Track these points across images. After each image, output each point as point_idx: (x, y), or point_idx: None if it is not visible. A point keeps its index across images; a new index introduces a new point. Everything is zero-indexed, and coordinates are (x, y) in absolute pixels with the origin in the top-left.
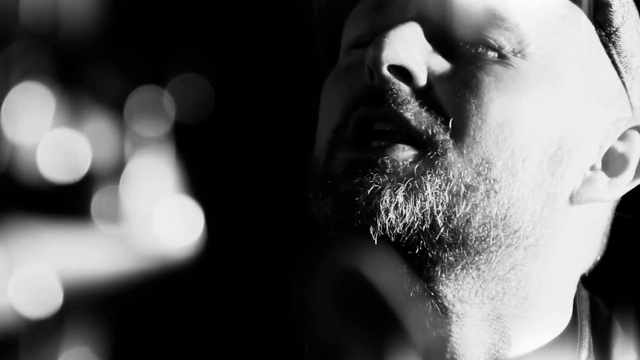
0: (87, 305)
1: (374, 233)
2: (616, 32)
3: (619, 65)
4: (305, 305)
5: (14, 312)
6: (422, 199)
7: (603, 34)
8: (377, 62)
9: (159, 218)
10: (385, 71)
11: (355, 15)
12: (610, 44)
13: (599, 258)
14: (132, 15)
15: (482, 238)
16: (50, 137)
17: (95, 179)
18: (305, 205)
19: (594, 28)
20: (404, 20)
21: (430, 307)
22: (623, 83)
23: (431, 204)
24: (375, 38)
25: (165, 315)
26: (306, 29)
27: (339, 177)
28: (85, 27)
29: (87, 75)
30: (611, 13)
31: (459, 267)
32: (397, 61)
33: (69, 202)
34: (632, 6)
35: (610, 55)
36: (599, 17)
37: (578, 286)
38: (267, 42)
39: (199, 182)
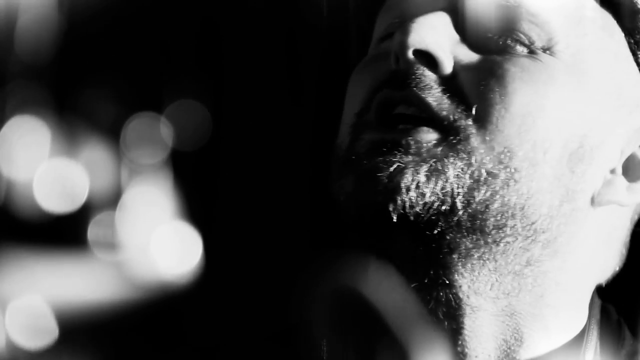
0: (85, 335)
1: (393, 211)
2: None
3: None
4: (304, 315)
5: (11, 344)
6: (444, 179)
7: (632, 41)
8: (403, 45)
9: (156, 245)
10: (410, 55)
11: (387, 7)
12: (639, 52)
13: (617, 269)
14: (126, 41)
15: (500, 226)
16: (47, 168)
17: (93, 207)
18: (304, 228)
19: (623, 35)
20: (433, 10)
21: (444, 296)
22: None
23: (452, 186)
24: (403, 24)
25: (163, 343)
26: (308, 49)
27: (362, 155)
28: (80, 54)
29: (82, 103)
30: None
31: (476, 256)
32: (422, 46)
33: (67, 232)
34: None
35: (638, 63)
36: (628, 24)
37: (593, 294)
38: (267, 65)
39: (197, 209)
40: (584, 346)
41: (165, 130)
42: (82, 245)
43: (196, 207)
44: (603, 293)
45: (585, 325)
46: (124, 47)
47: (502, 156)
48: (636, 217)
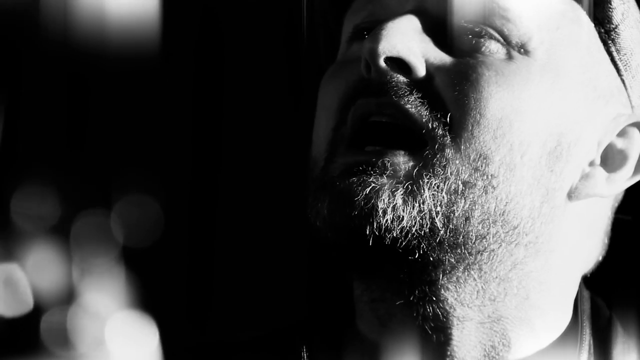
0: None
1: (369, 234)
2: (615, 30)
3: (619, 63)
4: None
5: None
6: (421, 201)
7: (602, 31)
8: (373, 54)
9: (112, 339)
10: (382, 63)
11: (355, 7)
12: (610, 41)
13: (600, 258)
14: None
15: (482, 235)
16: None
17: (44, 308)
18: (304, 236)
19: (593, 25)
20: (402, 11)
21: (432, 311)
22: (622, 81)
23: (429, 206)
24: (372, 30)
25: None
26: (308, 49)
27: (336, 178)
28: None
29: (23, 202)
30: (610, 10)
31: (461, 268)
32: (394, 53)
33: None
34: (633, 4)
35: (610, 53)
36: (598, 14)
37: (580, 286)
38: (267, 69)
39: (151, 301)
40: (579, 345)
41: (115, 227)
42: (37, 346)
43: (150, 300)
44: (591, 286)
45: (578, 322)
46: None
47: (479, 163)
48: (616, 205)
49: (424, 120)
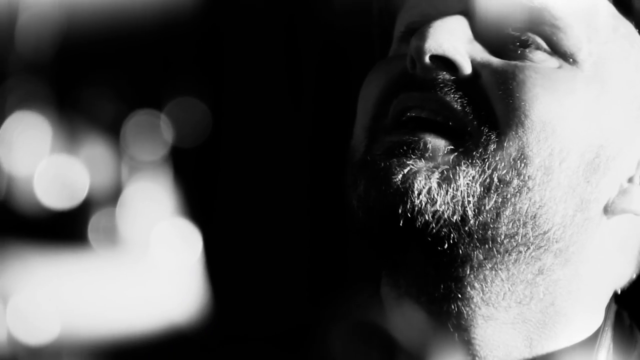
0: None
1: (402, 214)
2: None
3: None
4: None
5: (13, 340)
6: (455, 188)
7: None
8: (420, 51)
9: (157, 242)
10: (427, 60)
11: (407, 7)
12: None
13: (634, 276)
14: (126, 40)
15: (511, 235)
16: (47, 164)
17: (93, 204)
18: (304, 228)
19: None
20: (451, 12)
21: (456, 309)
22: None
23: (463, 195)
24: (420, 28)
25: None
26: (307, 51)
27: (378, 157)
28: (80, 52)
29: (82, 100)
30: None
31: (489, 266)
32: (439, 51)
33: (67, 228)
34: None
35: None
36: None
37: (610, 300)
38: (267, 68)
39: (197, 205)
40: (597, 348)
41: (165, 128)
42: (83, 241)
43: (196, 203)
44: (617, 298)
45: (600, 328)
46: (123, 46)
47: (518, 162)
48: None
49: (468, 117)
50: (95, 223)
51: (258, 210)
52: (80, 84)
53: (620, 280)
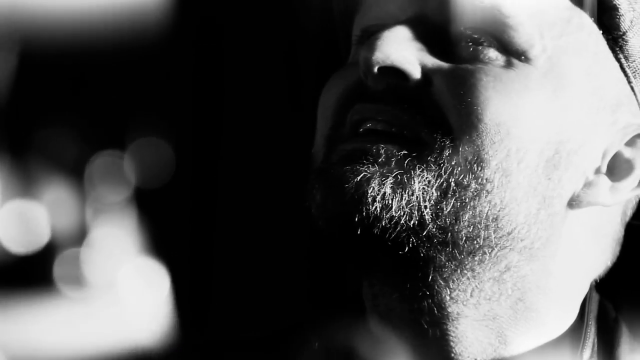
0: None
1: (358, 222)
2: (623, 37)
3: (627, 70)
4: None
5: None
6: (410, 193)
7: (610, 37)
8: (368, 63)
9: (124, 282)
10: (376, 72)
11: (363, 10)
12: (617, 49)
13: (610, 264)
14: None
15: (472, 238)
16: (8, 209)
17: (58, 247)
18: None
19: (601, 32)
20: (403, 17)
21: (427, 306)
22: (632, 88)
23: (418, 199)
24: (369, 38)
25: None
26: (307, 53)
27: (333, 165)
28: (38, 92)
29: (43, 142)
30: (618, 17)
31: (452, 267)
32: (388, 62)
33: (32, 272)
34: None
35: (618, 60)
36: (605, 21)
37: (590, 289)
38: (267, 70)
39: (163, 245)
40: (582, 342)
41: (128, 169)
42: (49, 284)
43: (162, 243)
44: (602, 290)
45: (583, 321)
46: (84, 85)
47: (475, 166)
48: (630, 212)
49: (421, 126)
50: (60, 266)
51: (257, 213)
52: (39, 124)
53: (595, 270)
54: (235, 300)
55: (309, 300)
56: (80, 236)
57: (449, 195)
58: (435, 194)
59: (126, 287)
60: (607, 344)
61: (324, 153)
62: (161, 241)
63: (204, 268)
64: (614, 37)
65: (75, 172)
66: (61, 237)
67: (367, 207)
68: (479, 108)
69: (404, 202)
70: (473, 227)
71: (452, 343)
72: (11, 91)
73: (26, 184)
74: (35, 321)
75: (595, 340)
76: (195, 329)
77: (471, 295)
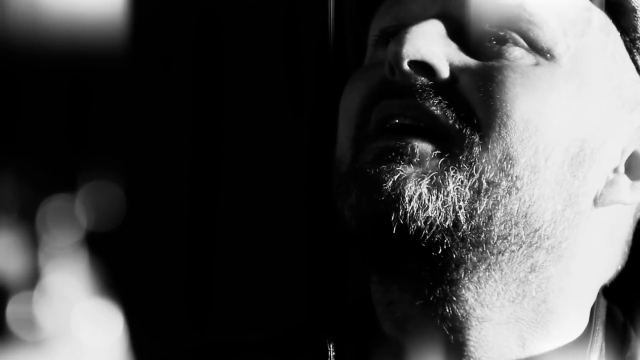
0: None
1: (394, 221)
2: None
3: None
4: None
5: None
6: (445, 194)
7: (627, 39)
8: (398, 57)
9: (77, 325)
10: (406, 66)
11: (381, 12)
12: (635, 50)
13: (620, 268)
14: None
15: (504, 236)
16: None
17: (9, 292)
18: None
19: (619, 34)
20: (426, 16)
21: (451, 312)
22: None
23: (453, 200)
24: (396, 34)
25: None
26: (307, 56)
27: (367, 165)
28: None
29: None
30: (636, 19)
31: (483, 268)
32: (418, 56)
33: None
34: None
35: (635, 62)
36: (623, 23)
37: (598, 294)
38: (267, 73)
39: (117, 287)
40: (590, 347)
41: (79, 212)
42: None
43: (115, 285)
44: (609, 294)
45: (591, 326)
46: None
47: (504, 164)
48: (639, 215)
49: (449, 121)
50: (12, 311)
51: (257, 216)
52: None
53: (606, 273)
54: (235, 302)
55: (308, 302)
56: (32, 280)
57: (482, 194)
58: (469, 194)
59: (80, 330)
60: (616, 347)
61: (352, 154)
62: (116, 282)
63: (204, 270)
64: (632, 39)
65: (25, 217)
66: (12, 282)
67: (404, 207)
68: (507, 105)
69: (439, 203)
70: (504, 225)
71: (472, 348)
72: None
73: None
74: None
75: (603, 345)
76: (195, 330)
77: (497, 298)
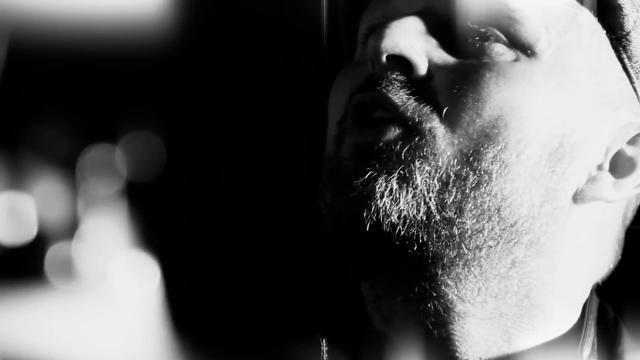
0: None
1: (367, 219)
2: (627, 37)
3: (630, 70)
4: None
5: None
6: (414, 186)
7: (613, 37)
8: (376, 51)
9: (114, 275)
10: (384, 60)
11: (369, 8)
12: (621, 48)
13: (612, 267)
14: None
15: (478, 230)
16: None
17: (49, 239)
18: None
19: (605, 31)
20: (410, 12)
21: (432, 307)
22: (634, 88)
23: (422, 192)
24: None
25: None
26: (307, 56)
27: (343, 161)
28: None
29: (35, 135)
30: (622, 17)
31: (461, 264)
32: (396, 51)
33: (22, 264)
34: None
35: (621, 60)
36: (609, 20)
37: (591, 293)
38: (267, 75)
39: (154, 238)
40: (582, 342)
41: (119, 162)
42: (40, 276)
43: (153, 236)
44: (601, 292)
45: (583, 322)
46: (78, 78)
47: (470, 158)
48: (630, 215)
49: (410, 112)
50: (51, 258)
51: (257, 216)
52: (31, 117)
53: (598, 271)
54: (235, 300)
55: (308, 301)
56: (71, 229)
57: (450, 185)
58: (437, 185)
59: (117, 280)
60: (607, 343)
61: (335, 151)
62: (154, 235)
63: (203, 268)
64: (618, 37)
65: (67, 166)
66: (52, 229)
67: (376, 203)
68: (479, 104)
69: (410, 196)
70: (477, 219)
71: (457, 343)
72: (4, 84)
73: (17, 176)
74: (24, 312)
75: (595, 340)
76: (195, 329)
77: (478, 294)
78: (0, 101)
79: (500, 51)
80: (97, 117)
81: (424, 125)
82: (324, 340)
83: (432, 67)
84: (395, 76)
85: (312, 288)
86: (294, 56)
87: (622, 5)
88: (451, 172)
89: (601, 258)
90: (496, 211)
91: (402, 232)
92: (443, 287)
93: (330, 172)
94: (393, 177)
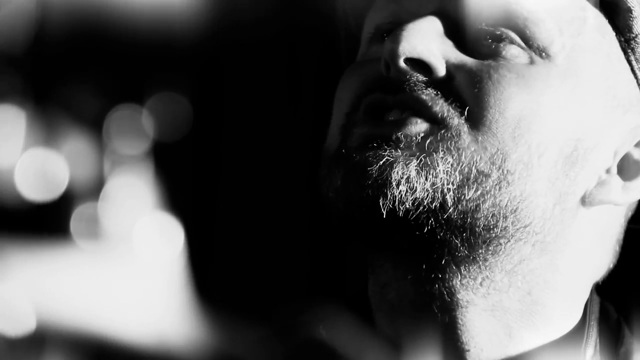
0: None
1: (383, 205)
2: (635, 39)
3: (637, 72)
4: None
5: None
6: (434, 175)
7: (622, 39)
8: (394, 54)
9: (139, 235)
10: (402, 63)
11: (376, 7)
12: (630, 51)
13: (611, 266)
14: (108, 33)
15: (490, 227)
16: (27, 157)
17: (75, 197)
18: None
19: (614, 34)
20: (423, 13)
21: (438, 290)
22: None
23: (442, 181)
24: (393, 31)
25: None
26: (306, 55)
27: (352, 149)
28: (60, 46)
29: (64, 94)
30: (631, 19)
31: (465, 253)
32: (414, 54)
33: (48, 221)
34: None
35: (629, 62)
36: (618, 23)
37: (591, 292)
38: (267, 72)
39: (180, 199)
40: (585, 342)
41: (146, 122)
42: (65, 234)
43: (178, 197)
44: (602, 292)
45: (585, 322)
46: (106, 40)
47: (495, 157)
48: (630, 214)
49: (438, 108)
50: (77, 216)
51: (257, 212)
52: (61, 78)
53: (598, 271)
54: (235, 296)
55: (309, 296)
56: (97, 188)
57: (471, 181)
58: (458, 178)
59: (141, 240)
60: (610, 343)
61: (340, 140)
62: (178, 195)
63: (203, 266)
64: (626, 39)
65: (95, 125)
66: (78, 187)
67: (392, 191)
68: (502, 103)
69: (428, 184)
70: (492, 217)
71: (459, 331)
72: (35, 44)
73: (47, 134)
74: (48, 270)
75: (598, 340)
76: (216, 291)
77: (481, 285)
78: (32, 62)
79: (515, 53)
80: (124, 79)
81: (451, 121)
82: (325, 338)
83: (451, 68)
84: (416, 78)
85: (312, 288)
86: (294, 56)
87: (631, 8)
88: (474, 168)
89: (602, 258)
90: (513, 212)
91: (413, 215)
92: (447, 271)
93: (338, 158)
94: (412, 164)
